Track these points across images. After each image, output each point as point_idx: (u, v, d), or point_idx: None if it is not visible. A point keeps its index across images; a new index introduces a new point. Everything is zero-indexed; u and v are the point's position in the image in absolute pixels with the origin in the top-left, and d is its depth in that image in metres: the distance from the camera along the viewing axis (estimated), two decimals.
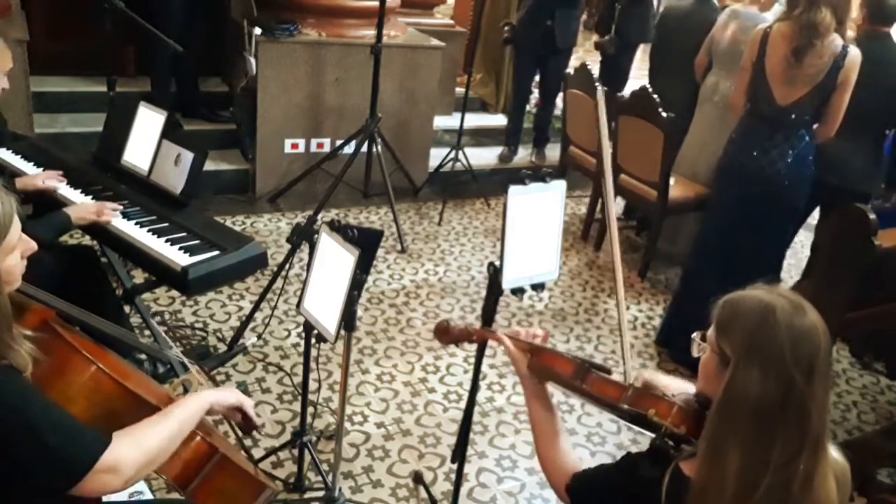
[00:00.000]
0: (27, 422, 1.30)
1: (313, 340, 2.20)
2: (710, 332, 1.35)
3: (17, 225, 1.39)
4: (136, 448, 1.40)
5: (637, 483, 1.35)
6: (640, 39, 5.79)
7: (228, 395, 1.69)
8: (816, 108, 3.09)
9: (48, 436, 1.30)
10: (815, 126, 3.16)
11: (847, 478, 1.35)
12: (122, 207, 2.71)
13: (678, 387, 1.55)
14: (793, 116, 3.10)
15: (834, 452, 1.33)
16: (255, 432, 1.76)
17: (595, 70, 4.70)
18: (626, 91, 4.69)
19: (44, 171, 2.88)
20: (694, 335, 1.41)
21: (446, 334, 1.90)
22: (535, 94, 5.81)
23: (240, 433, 1.99)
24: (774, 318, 1.25)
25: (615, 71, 5.72)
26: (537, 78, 5.58)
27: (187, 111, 4.85)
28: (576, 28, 5.33)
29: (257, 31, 4.38)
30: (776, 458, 1.22)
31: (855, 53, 3.01)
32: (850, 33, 3.55)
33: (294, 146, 4.71)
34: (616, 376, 1.58)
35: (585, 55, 5.54)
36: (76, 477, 1.33)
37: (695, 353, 1.40)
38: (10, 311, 1.36)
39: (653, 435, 1.42)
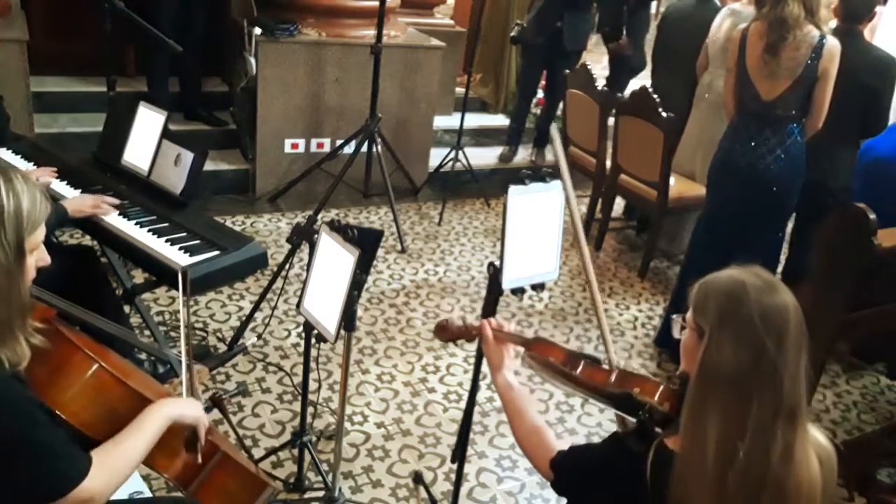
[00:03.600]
0: (19, 441, 1.32)
1: (313, 340, 2.20)
2: (689, 312, 1.41)
3: (43, 230, 1.41)
4: (110, 477, 1.44)
5: (622, 457, 1.40)
6: (642, 31, 5.85)
7: (187, 415, 1.63)
8: (801, 102, 3.10)
9: (35, 458, 1.33)
10: (803, 121, 3.17)
11: (832, 461, 1.38)
12: (118, 202, 2.71)
13: None
14: (779, 111, 3.11)
15: (820, 437, 1.38)
16: (198, 453, 1.67)
17: (595, 70, 4.69)
18: (626, 91, 4.70)
19: (36, 167, 2.88)
20: (675, 316, 1.47)
21: (444, 331, 1.94)
22: (539, 94, 5.80)
23: (247, 434, 1.97)
24: (745, 291, 1.31)
25: (625, 69, 5.73)
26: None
27: (189, 112, 4.85)
28: (586, 31, 5.27)
29: (257, 31, 4.38)
30: (753, 422, 1.27)
31: (833, 43, 3.02)
32: (831, 24, 3.58)
33: (294, 146, 4.71)
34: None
35: (586, 55, 5.52)
36: (51, 499, 1.35)
37: (675, 335, 1.46)
38: (29, 302, 1.40)
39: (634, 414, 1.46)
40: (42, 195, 1.40)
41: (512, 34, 5.20)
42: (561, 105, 5.19)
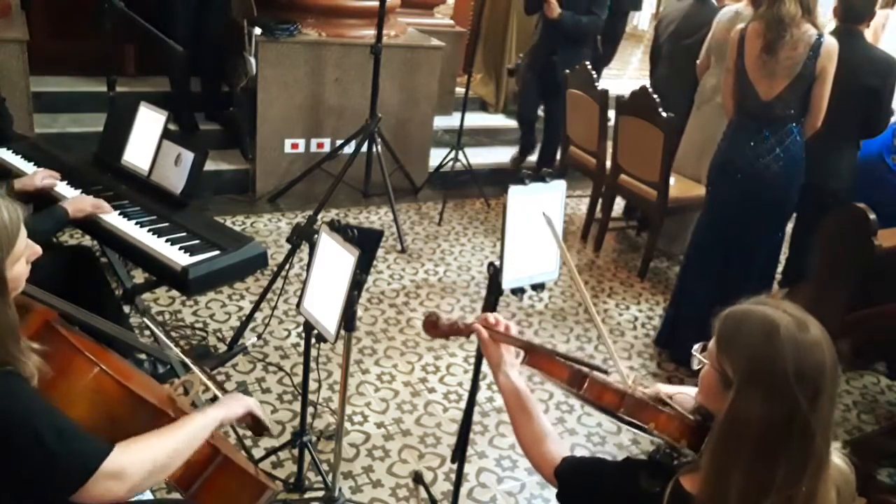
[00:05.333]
0: (31, 427, 1.30)
1: (313, 340, 2.20)
2: (711, 346, 1.32)
3: (23, 233, 1.40)
4: (141, 456, 1.41)
5: (635, 494, 1.34)
6: (631, 7, 5.85)
7: (236, 407, 1.70)
8: (800, 101, 3.10)
9: (52, 441, 1.31)
10: (802, 120, 3.17)
11: (850, 485, 1.33)
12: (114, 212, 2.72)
13: (683, 397, 1.53)
14: (778, 111, 3.12)
15: (837, 459, 1.31)
16: (265, 433, 1.84)
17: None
18: (626, 87, 4.68)
19: (39, 169, 2.88)
20: (694, 349, 1.38)
21: (434, 328, 1.84)
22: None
23: (247, 434, 2.02)
24: (779, 338, 1.21)
25: (605, 41, 5.76)
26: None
27: (210, 113, 4.86)
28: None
29: (257, 31, 4.38)
30: (779, 480, 1.20)
31: (830, 42, 3.02)
32: (830, 23, 3.59)
33: (294, 146, 4.71)
34: (614, 376, 1.56)
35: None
36: (79, 482, 1.33)
37: (694, 367, 1.38)
38: (17, 321, 1.37)
39: (650, 436, 1.41)
40: (6, 204, 1.36)
41: (509, 66, 5.13)
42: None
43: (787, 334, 1.21)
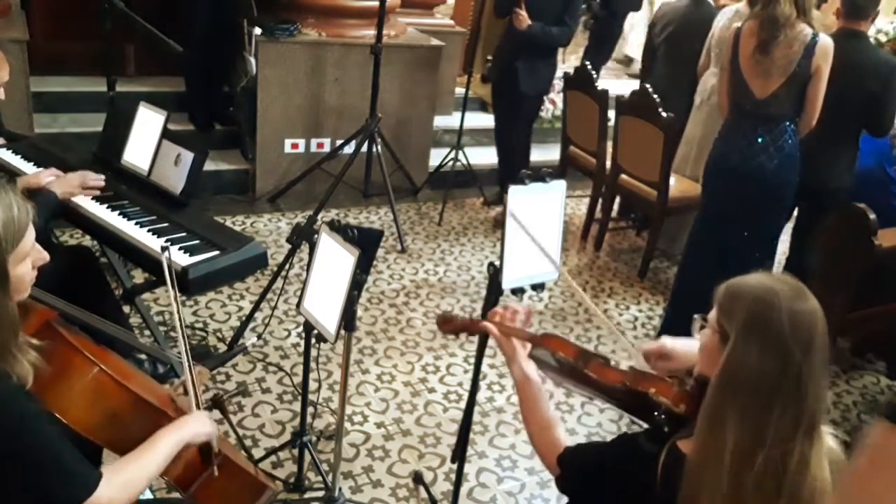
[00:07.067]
0: (25, 450, 1.31)
1: (313, 340, 2.20)
2: (712, 313, 1.38)
3: (31, 233, 1.38)
4: (122, 490, 1.43)
5: (633, 458, 1.38)
6: (629, 9, 5.83)
7: (200, 433, 1.65)
8: (795, 100, 3.11)
9: (41, 468, 1.32)
10: (796, 119, 3.17)
11: (843, 466, 1.35)
12: (102, 177, 2.73)
13: (687, 350, 1.60)
14: (772, 109, 3.12)
15: (831, 441, 1.35)
16: (213, 465, 1.71)
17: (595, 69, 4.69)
18: (626, 87, 4.67)
19: (37, 167, 2.87)
20: (695, 316, 1.44)
21: (448, 323, 1.91)
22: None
23: (247, 434, 1.97)
24: (776, 297, 1.28)
25: (603, 40, 5.76)
26: None
27: (212, 112, 4.87)
28: (544, 75, 4.67)
29: (257, 31, 4.38)
30: (773, 432, 1.25)
31: (825, 41, 3.03)
32: (830, 19, 3.60)
33: (294, 146, 4.71)
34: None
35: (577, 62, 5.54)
36: None
37: (695, 335, 1.44)
38: (17, 318, 1.37)
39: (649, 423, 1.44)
40: (17, 200, 1.35)
41: (483, 72, 5.02)
42: (561, 105, 5.15)
43: (785, 296, 1.28)
